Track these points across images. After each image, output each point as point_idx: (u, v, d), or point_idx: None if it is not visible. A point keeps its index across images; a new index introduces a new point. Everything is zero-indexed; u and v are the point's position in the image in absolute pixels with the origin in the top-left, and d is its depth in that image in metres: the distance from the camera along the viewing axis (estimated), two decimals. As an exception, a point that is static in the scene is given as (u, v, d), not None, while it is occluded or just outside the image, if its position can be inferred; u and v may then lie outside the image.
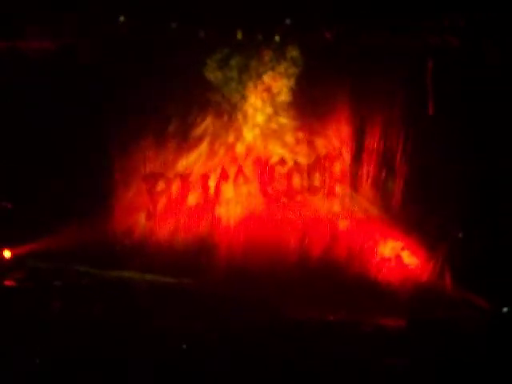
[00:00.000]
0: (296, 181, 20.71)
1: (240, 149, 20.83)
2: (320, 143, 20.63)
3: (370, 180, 20.52)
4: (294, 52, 20.19)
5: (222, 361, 14.07)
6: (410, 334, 16.36)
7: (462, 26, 19.10)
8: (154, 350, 14.43)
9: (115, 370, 13.71)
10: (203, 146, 20.78)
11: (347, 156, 20.54)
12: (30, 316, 16.15)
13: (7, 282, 18.96)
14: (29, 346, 14.43)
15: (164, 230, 20.86)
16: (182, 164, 20.80)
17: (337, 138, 20.56)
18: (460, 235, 19.47)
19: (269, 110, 20.54)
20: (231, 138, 20.79)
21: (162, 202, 20.85)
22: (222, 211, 20.82)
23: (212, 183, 20.78)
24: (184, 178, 20.78)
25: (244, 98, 20.51)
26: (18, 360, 13.89)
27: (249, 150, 20.79)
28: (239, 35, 20.07)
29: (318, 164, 20.68)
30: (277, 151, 20.75)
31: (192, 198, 20.89)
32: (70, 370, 13.71)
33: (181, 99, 20.34)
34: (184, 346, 13.77)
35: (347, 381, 13.76)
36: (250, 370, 13.86)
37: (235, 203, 20.79)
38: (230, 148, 20.83)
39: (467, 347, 14.94)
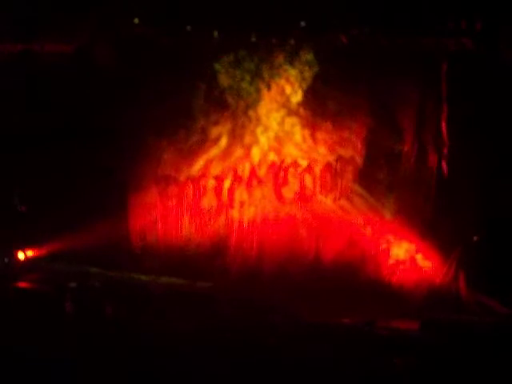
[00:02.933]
0: (309, 183, 20.67)
1: (253, 151, 20.80)
2: (333, 146, 20.54)
3: (383, 183, 20.47)
4: (308, 55, 20.16)
5: (233, 362, 14.09)
6: (424, 336, 16.29)
7: (479, 29, 19.00)
8: (167, 352, 14.45)
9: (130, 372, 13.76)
10: (216, 149, 20.77)
11: (360, 159, 20.50)
12: (43, 317, 16.15)
13: (21, 284, 19.03)
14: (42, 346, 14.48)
15: (177, 232, 20.91)
16: (195, 167, 20.83)
17: (350, 141, 20.46)
18: (475, 238, 19.38)
19: (282, 112, 20.51)
20: (244, 141, 20.77)
21: (174, 205, 20.91)
22: (235, 214, 20.82)
23: (225, 186, 20.79)
24: (197, 180, 20.81)
25: (258, 100, 20.49)
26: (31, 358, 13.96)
27: (262, 152, 20.76)
28: (253, 37, 20.15)
29: (331, 167, 20.62)
30: (290, 153, 20.71)
31: (205, 201, 20.89)
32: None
33: (194, 103, 20.43)
34: None
35: (360, 381, 13.77)
36: (262, 371, 13.85)
37: (248, 206, 20.79)
38: (244, 151, 20.81)
39: (481, 350, 14.86)
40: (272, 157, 20.74)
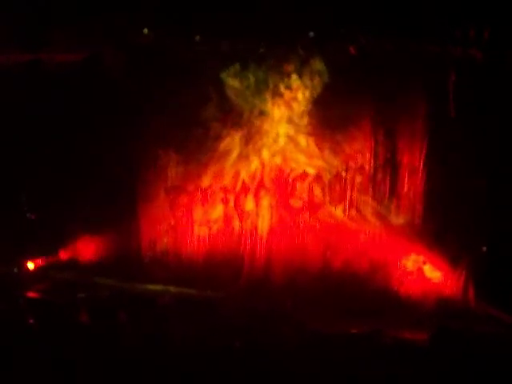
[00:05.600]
0: (318, 193, 20.71)
1: (262, 161, 20.92)
2: (341, 155, 20.62)
3: (391, 193, 20.52)
4: (318, 64, 20.26)
5: (241, 369, 14.12)
6: (432, 347, 16.22)
7: (486, 38, 19.08)
8: (177, 361, 14.46)
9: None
10: (225, 159, 20.86)
11: (368, 169, 20.56)
12: (53, 327, 16.17)
13: (31, 294, 19.06)
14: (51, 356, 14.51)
15: (186, 242, 20.96)
16: (204, 178, 20.91)
17: (358, 151, 20.54)
18: (484, 249, 19.37)
19: (291, 121, 20.64)
20: (253, 151, 20.88)
21: (184, 215, 20.98)
22: (243, 224, 20.88)
23: (234, 196, 20.88)
24: (205, 191, 20.88)
25: (266, 109, 20.67)
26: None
27: (270, 162, 20.86)
28: (262, 48, 20.27)
29: (340, 176, 20.66)
30: (298, 164, 20.81)
31: (214, 211, 20.97)
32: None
33: (205, 111, 20.53)
34: None
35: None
36: (270, 378, 13.87)
37: (256, 216, 20.82)
38: (252, 160, 20.92)
39: (490, 362, 14.80)
40: (280, 166, 20.80)
